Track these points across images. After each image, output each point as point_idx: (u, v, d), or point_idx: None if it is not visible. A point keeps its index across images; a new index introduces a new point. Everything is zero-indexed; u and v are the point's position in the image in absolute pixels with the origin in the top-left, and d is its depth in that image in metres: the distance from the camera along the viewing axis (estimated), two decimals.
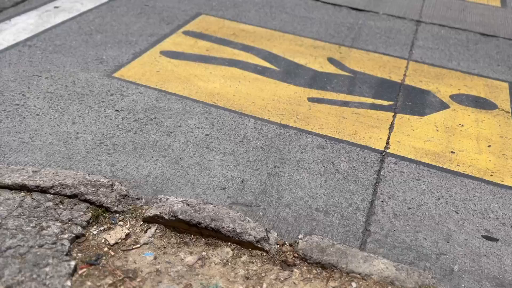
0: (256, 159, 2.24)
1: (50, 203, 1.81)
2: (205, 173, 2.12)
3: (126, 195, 1.91)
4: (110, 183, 1.91)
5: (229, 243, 1.74)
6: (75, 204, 1.82)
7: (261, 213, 1.93)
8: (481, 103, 2.88)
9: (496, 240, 1.92)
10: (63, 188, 1.85)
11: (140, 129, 2.36)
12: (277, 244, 1.76)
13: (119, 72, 2.81)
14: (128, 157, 2.16)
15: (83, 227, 1.74)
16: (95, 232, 1.75)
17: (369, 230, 1.91)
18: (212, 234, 1.75)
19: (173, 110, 2.53)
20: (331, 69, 3.09)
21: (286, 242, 1.79)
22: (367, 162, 2.29)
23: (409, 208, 2.04)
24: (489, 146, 2.50)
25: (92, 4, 3.64)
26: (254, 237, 1.72)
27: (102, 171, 2.06)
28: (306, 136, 2.43)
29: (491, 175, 2.29)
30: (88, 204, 1.83)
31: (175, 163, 2.15)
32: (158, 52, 3.08)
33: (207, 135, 2.37)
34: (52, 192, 1.85)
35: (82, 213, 1.79)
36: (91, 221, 1.78)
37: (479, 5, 4.50)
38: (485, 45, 3.68)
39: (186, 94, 2.67)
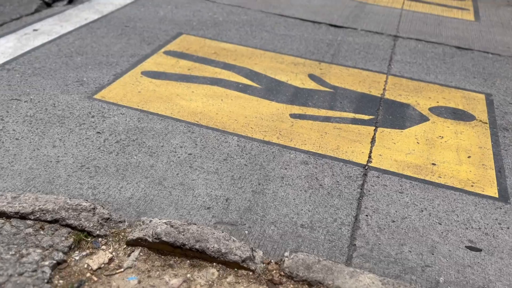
0: (240, 177, 2.24)
1: (30, 230, 1.77)
2: (189, 193, 2.10)
3: (109, 218, 1.88)
4: (92, 206, 1.88)
5: (214, 263, 1.73)
6: (56, 230, 1.79)
7: (246, 232, 1.92)
8: (460, 115, 2.95)
9: (479, 250, 1.94)
10: (44, 214, 1.82)
11: (122, 150, 2.34)
12: (263, 263, 1.75)
13: (100, 93, 2.80)
14: (110, 179, 2.13)
15: (65, 253, 1.71)
16: (77, 258, 1.71)
17: (355, 244, 1.91)
18: (197, 255, 1.73)
19: (155, 130, 2.52)
20: (312, 85, 3.13)
21: (272, 261, 1.78)
22: (350, 176, 2.30)
23: (393, 221, 2.05)
24: (469, 157, 2.55)
25: (72, 27, 3.63)
26: (240, 256, 1.71)
27: (84, 195, 2.03)
28: (290, 152, 2.44)
29: (472, 186, 2.32)
30: (69, 229, 1.80)
31: (158, 184, 2.14)
32: (139, 72, 3.08)
33: (190, 154, 2.36)
34: (32, 218, 1.81)
35: (63, 238, 1.76)
36: (73, 246, 1.74)
37: (454, 20, 4.63)
38: (461, 58, 3.77)
39: (168, 113, 2.67)
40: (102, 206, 1.94)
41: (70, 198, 1.92)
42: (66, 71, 3.00)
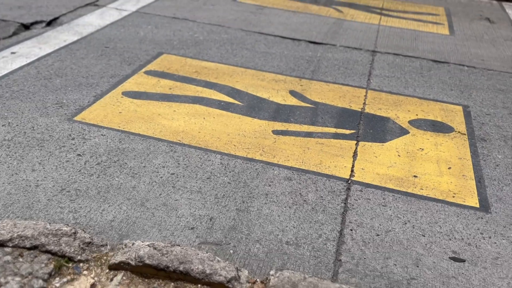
0: (224, 195, 2.22)
1: (8, 257, 1.72)
2: (172, 213, 2.08)
3: (90, 242, 1.84)
4: (73, 231, 1.84)
5: (199, 285, 1.70)
6: (36, 256, 1.74)
7: (231, 251, 1.90)
8: (439, 127, 3.00)
9: (463, 260, 1.95)
10: (23, 240, 1.77)
11: (103, 172, 2.31)
12: (249, 283, 1.73)
13: (80, 115, 2.77)
14: (91, 202, 2.10)
15: (45, 280, 1.66)
16: (57, 285, 1.67)
17: (340, 260, 1.90)
18: (181, 277, 1.70)
19: (137, 150, 2.49)
20: (293, 101, 3.16)
21: (257, 280, 1.76)
22: (334, 191, 2.31)
23: (378, 235, 2.06)
24: (449, 168, 2.58)
25: (51, 49, 3.61)
26: (225, 277, 1.69)
27: (64, 219, 1.99)
28: (273, 169, 2.44)
29: (453, 197, 2.35)
30: (49, 255, 1.76)
31: (140, 205, 2.11)
32: (120, 93, 3.06)
33: (172, 174, 2.34)
34: (11, 245, 1.76)
35: (43, 265, 1.71)
36: (53, 273, 1.70)
37: (430, 34, 4.75)
38: (438, 71, 3.86)
39: (150, 133, 2.65)
40: (84, 230, 1.90)
41: (50, 223, 1.88)
42: (45, 94, 2.97)
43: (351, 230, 2.07)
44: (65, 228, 1.84)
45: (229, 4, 5.08)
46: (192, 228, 2.00)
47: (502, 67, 4.06)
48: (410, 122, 3.02)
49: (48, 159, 2.36)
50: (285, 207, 2.18)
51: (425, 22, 5.11)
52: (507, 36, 4.88)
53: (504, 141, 2.91)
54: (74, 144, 2.50)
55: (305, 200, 2.23)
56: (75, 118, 2.73)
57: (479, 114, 3.21)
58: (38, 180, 2.21)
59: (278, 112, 3.00)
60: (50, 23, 4.10)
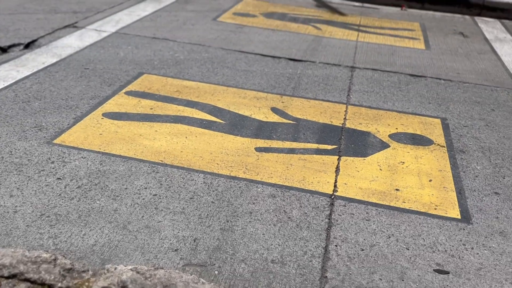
0: (208, 215, 2.21)
1: None
2: (155, 235, 2.05)
3: (71, 268, 1.79)
4: (53, 257, 1.80)
5: None
6: (14, 285, 1.69)
7: (216, 272, 1.88)
8: (418, 140, 3.05)
9: (447, 272, 1.97)
10: (0, 269, 1.72)
11: (84, 195, 2.27)
12: None
13: (60, 138, 2.73)
14: (72, 227, 2.05)
15: None
16: None
17: (326, 276, 1.90)
18: None
19: (118, 172, 2.46)
20: (275, 118, 3.18)
21: None
22: (318, 207, 2.32)
23: (362, 250, 2.06)
24: (430, 180, 2.62)
25: (29, 71, 3.57)
26: None
27: (44, 245, 1.94)
28: (257, 186, 2.44)
29: (435, 209, 2.38)
30: (29, 284, 1.70)
31: (122, 228, 2.07)
32: (100, 114, 3.03)
33: (155, 195, 2.31)
34: None
35: None
36: None
37: (406, 49, 4.86)
38: (416, 85, 3.94)
39: (131, 154, 2.62)
40: (64, 256, 1.86)
41: (29, 250, 1.83)
42: (24, 117, 2.93)
43: (336, 245, 2.07)
44: (45, 255, 1.80)
45: (209, 23, 5.13)
46: (175, 250, 1.97)
47: (477, 80, 4.17)
48: (390, 136, 3.07)
49: (27, 184, 2.32)
50: (269, 224, 2.17)
51: (401, 38, 5.24)
52: (480, 50, 5.03)
53: (482, 152, 2.97)
54: (53, 168, 2.46)
55: (289, 217, 2.23)
56: (55, 141, 2.69)
57: (457, 126, 3.28)
58: (16, 206, 2.15)
59: (261, 129, 3.01)
60: (28, 46, 4.06)
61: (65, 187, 2.31)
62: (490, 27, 5.95)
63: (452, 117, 3.41)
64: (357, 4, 6.64)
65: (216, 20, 5.27)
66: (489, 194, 2.54)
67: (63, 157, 2.56)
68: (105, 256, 1.91)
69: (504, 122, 3.40)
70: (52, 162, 2.50)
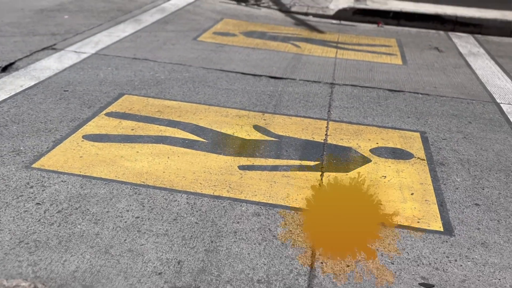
0: (191, 236, 2.18)
1: None
2: (138, 259, 2.01)
3: None
4: (32, 286, 1.75)
5: None
6: None
7: None
8: (399, 154, 3.09)
9: (432, 286, 1.98)
10: None
11: (64, 220, 2.22)
12: None
13: (39, 162, 2.68)
14: (52, 253, 2.00)
15: None
16: None
17: None
18: None
19: (99, 195, 2.42)
20: (257, 136, 3.18)
21: None
22: (302, 224, 2.31)
23: (348, 266, 2.06)
24: (412, 194, 2.65)
25: (6, 95, 3.51)
26: None
27: (23, 273, 1.88)
28: (241, 205, 2.42)
29: (418, 222, 2.40)
30: None
31: (105, 253, 2.03)
32: (80, 137, 3.00)
33: (137, 217, 2.28)
34: None
35: None
36: None
37: (384, 65, 4.96)
38: (394, 100, 4.02)
39: (112, 177, 2.59)
40: (44, 284, 1.81)
41: (7, 279, 1.78)
42: (1, 142, 2.87)
43: (321, 262, 2.06)
44: (24, 284, 1.74)
45: (189, 43, 5.15)
46: (159, 273, 1.93)
47: (454, 93, 4.27)
48: (371, 150, 3.10)
49: (5, 210, 2.26)
50: (254, 244, 2.15)
51: (379, 54, 5.35)
52: (455, 64, 5.17)
53: (461, 164, 3.02)
54: (32, 193, 2.40)
55: (274, 235, 2.22)
56: (33, 165, 2.64)
57: (436, 139, 3.34)
58: None
59: (243, 147, 3.01)
60: (5, 69, 4.01)
61: (44, 212, 2.26)
62: (464, 42, 6.13)
63: (431, 130, 3.47)
64: (334, 21, 6.78)
65: (197, 39, 5.30)
66: (469, 205, 2.58)
67: (42, 181, 2.50)
68: (87, 282, 1.86)
69: (481, 134, 3.48)
70: (31, 187, 2.45)
